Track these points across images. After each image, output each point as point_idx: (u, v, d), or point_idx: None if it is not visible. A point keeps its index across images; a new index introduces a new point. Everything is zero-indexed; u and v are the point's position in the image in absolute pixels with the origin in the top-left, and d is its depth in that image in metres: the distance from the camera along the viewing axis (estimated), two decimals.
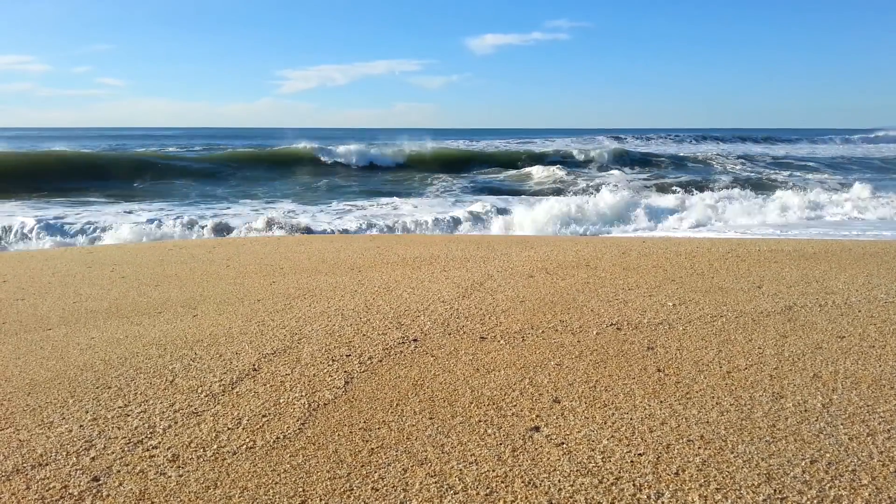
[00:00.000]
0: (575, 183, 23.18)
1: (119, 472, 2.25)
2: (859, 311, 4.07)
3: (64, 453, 2.39)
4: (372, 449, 2.38)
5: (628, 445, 2.36)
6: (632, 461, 2.25)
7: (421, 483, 2.15)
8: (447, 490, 2.10)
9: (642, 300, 4.44)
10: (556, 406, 2.72)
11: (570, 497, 2.05)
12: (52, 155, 25.44)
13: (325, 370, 3.19)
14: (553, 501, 2.03)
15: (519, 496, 2.06)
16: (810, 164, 32.46)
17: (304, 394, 2.90)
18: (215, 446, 2.43)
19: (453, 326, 3.89)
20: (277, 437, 2.49)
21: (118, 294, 5.06)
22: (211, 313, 4.37)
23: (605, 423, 2.55)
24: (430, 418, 2.63)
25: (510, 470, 2.21)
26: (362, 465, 2.26)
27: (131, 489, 2.14)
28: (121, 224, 12.78)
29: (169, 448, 2.42)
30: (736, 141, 53.15)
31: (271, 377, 3.11)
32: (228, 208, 16.35)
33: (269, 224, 12.78)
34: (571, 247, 7.01)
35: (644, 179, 24.29)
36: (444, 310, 4.28)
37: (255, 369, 3.22)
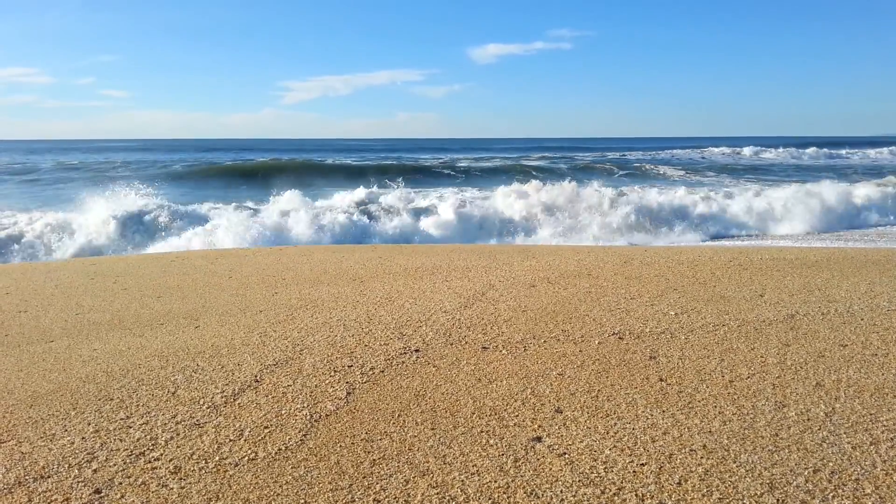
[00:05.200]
0: None
1: (121, 484, 2.25)
2: (862, 320, 4.06)
3: (66, 465, 2.39)
4: (374, 460, 2.38)
5: (630, 455, 2.36)
6: (634, 471, 2.25)
7: (423, 494, 2.14)
8: (449, 501, 2.10)
9: (644, 309, 4.43)
10: (558, 416, 2.71)
11: None
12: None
13: (327, 381, 3.19)
14: None
15: None
16: None
17: (305, 405, 2.90)
18: (217, 458, 2.42)
19: (455, 336, 3.89)
20: (279, 449, 2.49)
21: (120, 306, 5.07)
22: (213, 324, 4.37)
23: (608, 433, 2.54)
24: (432, 429, 2.63)
25: (512, 480, 2.21)
26: (364, 477, 2.26)
27: (133, 501, 2.14)
28: None
29: (171, 460, 2.42)
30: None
31: (273, 388, 3.11)
32: None
33: None
34: (573, 256, 7.01)
35: None
36: (446, 320, 4.28)
37: (257, 380, 3.22)
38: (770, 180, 27.11)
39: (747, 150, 50.24)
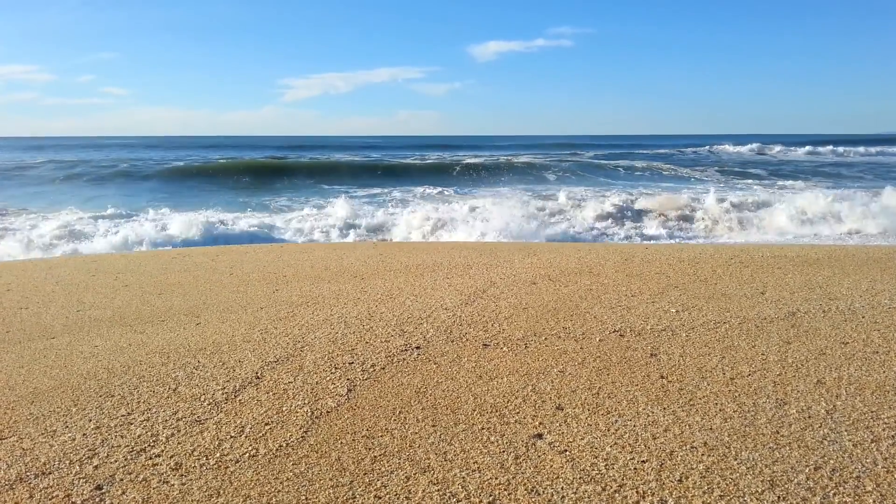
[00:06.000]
0: None
1: (122, 480, 2.25)
2: (863, 317, 4.06)
3: (67, 462, 2.39)
4: (375, 457, 2.38)
5: (631, 452, 2.36)
6: (635, 468, 2.25)
7: (424, 491, 2.14)
8: (450, 498, 2.10)
9: (645, 307, 4.43)
10: (559, 413, 2.71)
11: None
12: None
13: (328, 378, 3.19)
14: None
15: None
16: None
17: (306, 402, 2.90)
18: (218, 454, 2.43)
19: (456, 334, 3.89)
20: (280, 446, 2.49)
21: (122, 302, 5.07)
22: (214, 321, 4.37)
23: (609, 431, 2.54)
24: (433, 426, 2.63)
25: (513, 477, 2.21)
26: (365, 473, 2.26)
27: (134, 498, 2.14)
28: None
29: (172, 456, 2.42)
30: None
31: (274, 385, 3.11)
32: None
33: None
34: (574, 253, 7.01)
35: None
36: (447, 317, 4.28)
37: (258, 377, 3.22)
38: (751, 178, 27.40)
39: (774, 149, 50.77)
